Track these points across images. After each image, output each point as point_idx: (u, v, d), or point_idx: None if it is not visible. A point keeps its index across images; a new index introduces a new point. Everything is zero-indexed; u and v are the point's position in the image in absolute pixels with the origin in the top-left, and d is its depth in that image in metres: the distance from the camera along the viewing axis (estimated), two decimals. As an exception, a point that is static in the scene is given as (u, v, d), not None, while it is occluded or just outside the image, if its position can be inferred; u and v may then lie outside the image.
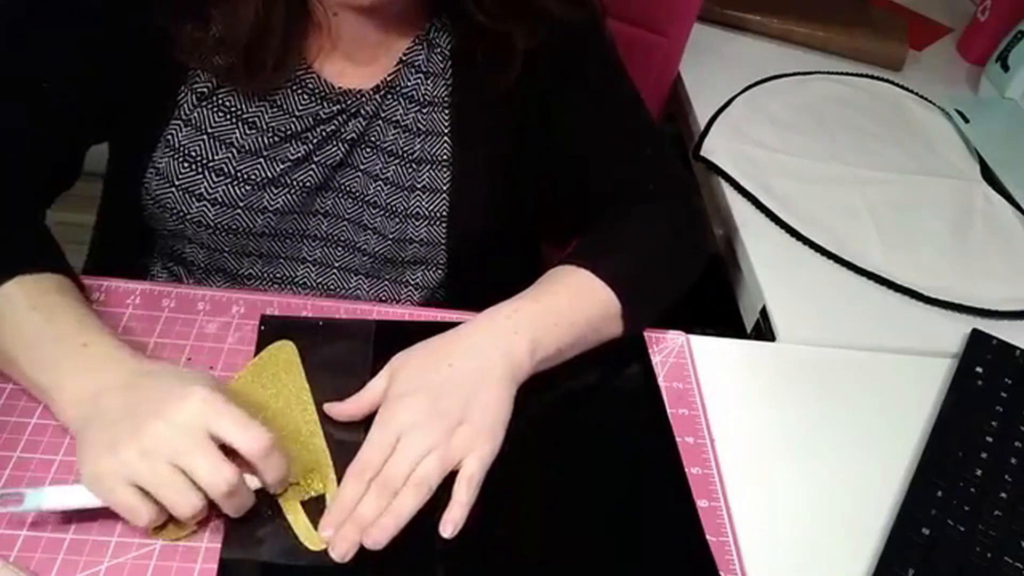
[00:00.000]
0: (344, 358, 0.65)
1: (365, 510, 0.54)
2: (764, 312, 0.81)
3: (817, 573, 0.59)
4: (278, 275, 0.75)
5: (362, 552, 0.53)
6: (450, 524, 0.55)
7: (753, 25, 1.24)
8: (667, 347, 0.72)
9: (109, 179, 0.77)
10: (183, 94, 0.67)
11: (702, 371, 0.71)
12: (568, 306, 0.65)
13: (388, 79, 0.70)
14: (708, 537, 0.58)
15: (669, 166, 0.79)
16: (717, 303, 0.91)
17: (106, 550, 0.51)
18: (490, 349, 0.61)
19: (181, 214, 0.69)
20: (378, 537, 0.53)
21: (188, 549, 0.52)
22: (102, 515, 0.52)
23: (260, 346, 0.64)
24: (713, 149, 0.99)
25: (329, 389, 0.62)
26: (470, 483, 0.56)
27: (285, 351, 0.64)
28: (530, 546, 0.57)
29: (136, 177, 0.69)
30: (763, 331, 0.81)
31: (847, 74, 1.20)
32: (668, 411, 0.66)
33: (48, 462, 0.55)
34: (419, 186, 0.72)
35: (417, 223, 0.73)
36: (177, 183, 0.68)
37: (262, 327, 0.66)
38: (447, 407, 0.58)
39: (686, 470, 0.62)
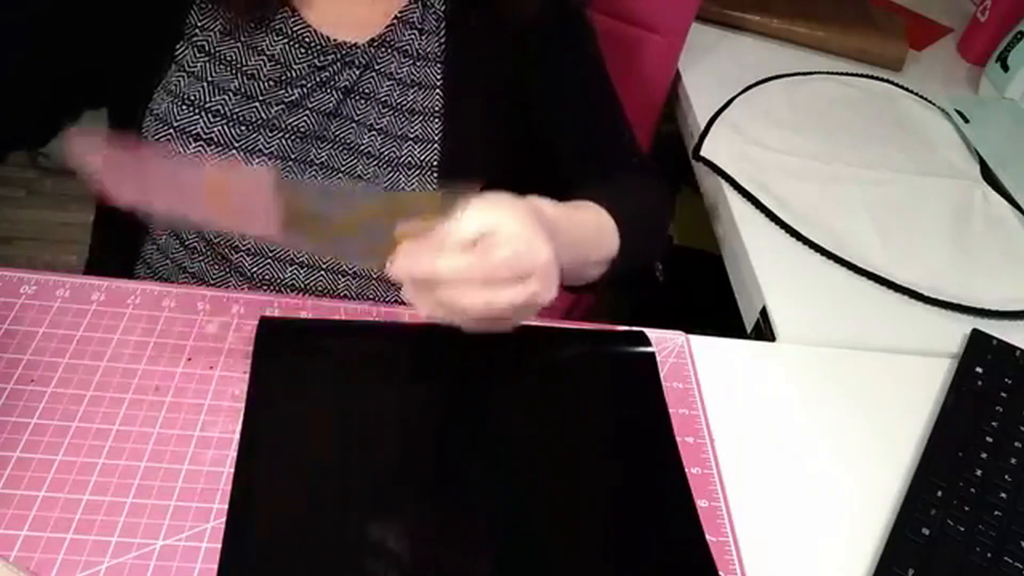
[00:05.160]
0: (345, 358, 0.65)
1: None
2: (764, 312, 0.81)
3: (817, 573, 0.59)
4: None
5: (362, 548, 0.53)
6: None
7: (753, 25, 1.24)
8: (667, 347, 0.72)
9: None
10: (182, 47, 0.70)
11: (702, 371, 0.71)
12: (587, 243, 0.67)
13: (382, 34, 0.73)
14: (708, 537, 0.58)
15: (643, 151, 0.85)
16: (717, 303, 0.91)
17: (106, 550, 0.51)
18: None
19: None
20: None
21: (188, 549, 0.52)
22: (102, 515, 0.52)
23: (259, 346, 0.64)
24: (713, 149, 0.99)
25: (331, 391, 0.61)
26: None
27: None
28: (529, 545, 0.56)
29: (134, 126, 0.71)
30: (763, 331, 0.81)
31: (847, 74, 1.20)
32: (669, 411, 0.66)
33: (48, 462, 0.55)
34: (411, 136, 0.75)
35: (409, 172, 0.75)
36: (175, 124, 0.70)
37: (260, 328, 0.65)
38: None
39: (686, 470, 0.62)
